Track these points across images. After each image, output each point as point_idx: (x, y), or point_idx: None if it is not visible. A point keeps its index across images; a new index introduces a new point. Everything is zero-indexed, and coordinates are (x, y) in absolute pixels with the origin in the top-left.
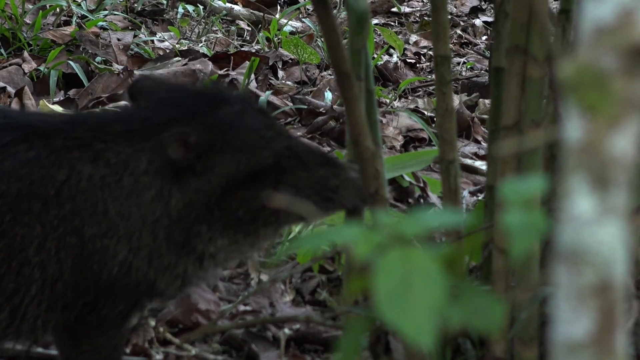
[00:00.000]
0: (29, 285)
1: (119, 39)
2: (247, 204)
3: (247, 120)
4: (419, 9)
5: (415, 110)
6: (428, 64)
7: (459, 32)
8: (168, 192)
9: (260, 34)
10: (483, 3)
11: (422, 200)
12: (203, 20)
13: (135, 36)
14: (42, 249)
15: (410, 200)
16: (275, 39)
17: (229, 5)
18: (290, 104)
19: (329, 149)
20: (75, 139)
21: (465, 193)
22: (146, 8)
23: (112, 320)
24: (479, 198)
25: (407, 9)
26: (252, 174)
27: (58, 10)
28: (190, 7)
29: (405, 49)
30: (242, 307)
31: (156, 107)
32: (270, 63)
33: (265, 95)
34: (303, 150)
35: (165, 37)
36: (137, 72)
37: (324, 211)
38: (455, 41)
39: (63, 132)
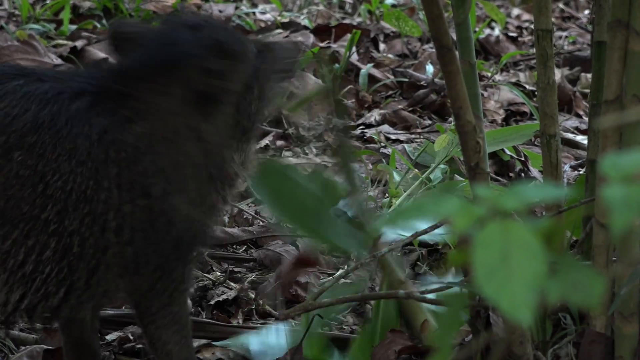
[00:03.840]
0: (105, 250)
1: (220, 11)
2: (250, 113)
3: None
4: None
5: (517, 84)
6: (530, 37)
7: (561, 5)
8: (201, 130)
9: (362, 6)
10: None
11: (523, 174)
12: None
13: (236, 8)
14: (119, 213)
15: (511, 174)
16: (377, 11)
17: None
18: (392, 77)
19: (429, 122)
20: (127, 99)
21: (567, 167)
22: None
23: (179, 286)
24: (580, 172)
25: None
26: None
27: None
28: None
29: (507, 22)
30: (342, 281)
31: (161, 49)
32: (372, 36)
33: (366, 68)
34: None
35: (267, 9)
36: None
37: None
38: (557, 15)
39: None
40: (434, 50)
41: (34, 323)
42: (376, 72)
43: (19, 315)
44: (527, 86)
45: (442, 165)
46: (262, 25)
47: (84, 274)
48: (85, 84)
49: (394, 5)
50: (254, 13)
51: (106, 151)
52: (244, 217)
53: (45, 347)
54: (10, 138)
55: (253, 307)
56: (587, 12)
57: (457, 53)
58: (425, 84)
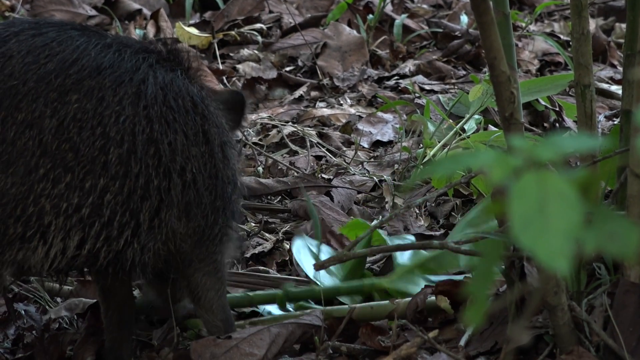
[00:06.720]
0: (168, 191)
1: None
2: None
3: None
4: None
5: (551, 34)
6: None
7: None
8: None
9: None
10: None
11: (557, 125)
12: None
13: None
14: (184, 155)
15: (545, 124)
16: None
17: None
18: (426, 28)
19: (464, 72)
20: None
21: (601, 117)
22: None
23: (224, 235)
24: (615, 122)
25: None
26: None
27: None
28: None
29: None
30: None
31: None
32: None
33: (400, 19)
34: None
35: None
36: None
37: None
38: None
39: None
40: (468, 0)
41: (93, 274)
42: (410, 23)
43: (80, 263)
44: (561, 36)
45: (476, 116)
46: None
47: (147, 216)
48: (148, 46)
49: None
50: None
51: (175, 98)
52: (279, 167)
53: (84, 299)
54: (67, 81)
55: (287, 258)
56: None
57: (491, 3)
58: (459, 35)
